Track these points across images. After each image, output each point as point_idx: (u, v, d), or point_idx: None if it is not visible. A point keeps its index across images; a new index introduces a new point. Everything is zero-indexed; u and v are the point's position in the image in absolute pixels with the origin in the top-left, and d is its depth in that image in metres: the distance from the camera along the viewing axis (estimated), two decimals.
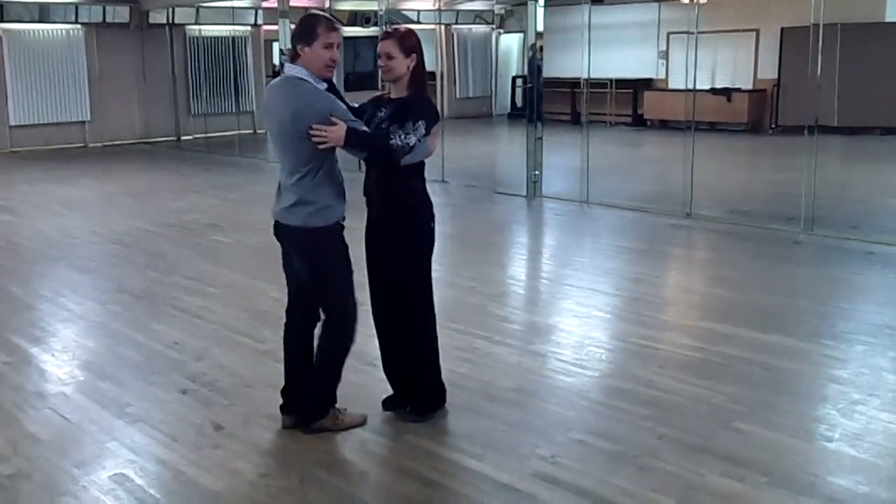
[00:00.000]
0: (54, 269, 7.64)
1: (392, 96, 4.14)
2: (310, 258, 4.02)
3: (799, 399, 4.59)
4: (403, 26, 4.46)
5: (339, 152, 3.92)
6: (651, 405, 4.46)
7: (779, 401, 4.50)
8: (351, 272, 4.09)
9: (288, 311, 4.26)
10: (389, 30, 4.17)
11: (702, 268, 7.90)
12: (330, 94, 3.91)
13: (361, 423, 4.23)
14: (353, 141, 3.83)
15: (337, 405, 4.23)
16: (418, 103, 4.04)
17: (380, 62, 4.08)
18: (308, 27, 3.87)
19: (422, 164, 4.14)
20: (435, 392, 4.35)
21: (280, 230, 4.06)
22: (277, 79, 4.06)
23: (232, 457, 3.96)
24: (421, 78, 4.12)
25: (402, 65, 4.02)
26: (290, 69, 3.91)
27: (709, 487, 3.63)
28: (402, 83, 4.07)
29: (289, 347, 4.28)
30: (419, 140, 3.93)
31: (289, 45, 14.35)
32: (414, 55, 4.04)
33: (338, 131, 3.77)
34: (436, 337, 4.33)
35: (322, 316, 4.10)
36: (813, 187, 8.63)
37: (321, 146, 3.78)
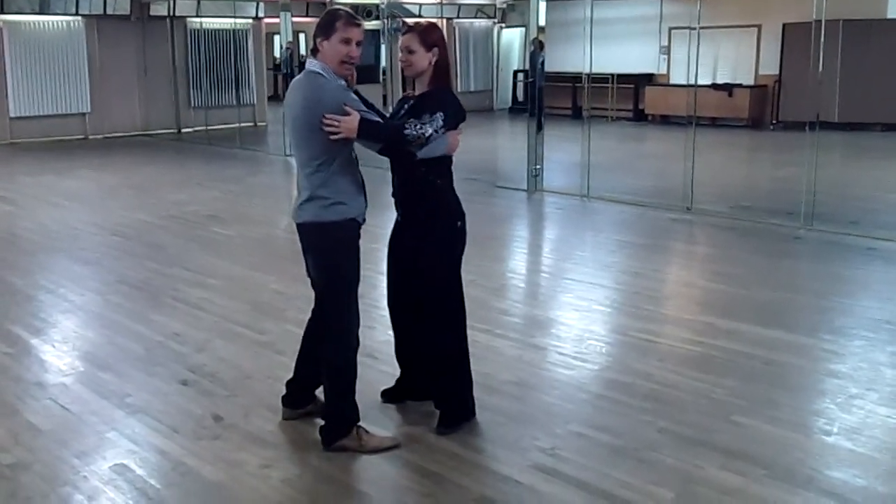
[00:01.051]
0: (55, 261, 7.64)
1: (416, 93, 4.06)
2: (321, 255, 3.88)
3: (798, 393, 4.60)
4: (425, 20, 4.41)
5: (360, 150, 3.87)
6: (651, 399, 4.46)
7: (778, 395, 4.51)
8: (359, 278, 3.94)
9: (314, 310, 4.14)
10: (411, 23, 4.11)
11: (702, 263, 7.91)
12: (343, 88, 3.77)
13: (392, 446, 3.96)
14: (365, 131, 3.70)
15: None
16: (439, 96, 3.94)
17: (400, 57, 4.00)
18: (327, 20, 3.76)
19: (446, 162, 4.01)
20: (465, 405, 4.21)
21: (298, 230, 3.91)
22: (300, 73, 3.94)
23: (232, 448, 3.97)
24: (444, 73, 4.01)
25: (424, 59, 3.94)
26: (310, 63, 3.83)
27: (708, 480, 3.64)
28: (425, 78, 3.99)
29: (303, 345, 4.20)
30: (436, 131, 3.80)
31: (289, 38, 14.36)
32: (436, 49, 3.96)
33: (351, 122, 3.65)
34: (466, 346, 4.19)
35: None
36: (813, 183, 8.64)
37: (333, 136, 3.66)
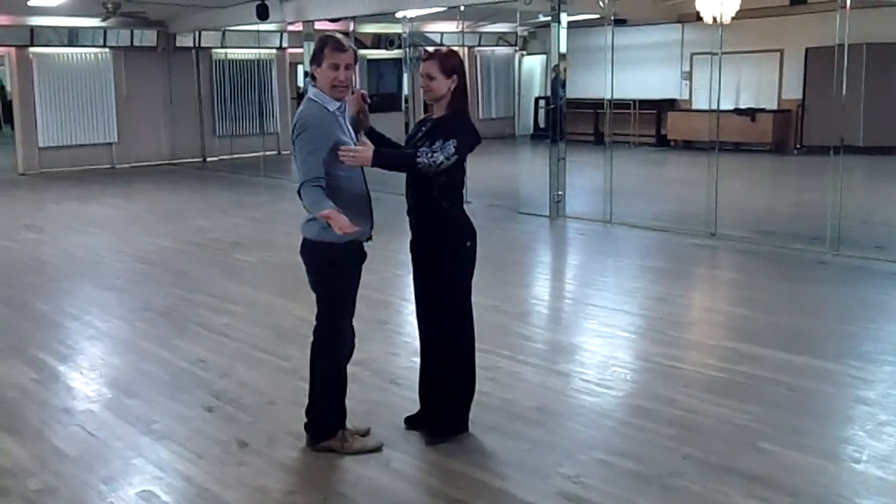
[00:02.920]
0: (81, 287, 7.72)
1: (434, 116, 4.19)
2: (318, 271, 4.06)
3: (825, 420, 4.55)
4: (445, 47, 4.53)
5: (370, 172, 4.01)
6: (675, 425, 4.43)
7: (805, 422, 4.47)
8: (353, 296, 4.11)
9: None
10: (431, 50, 4.21)
11: (726, 288, 7.86)
12: (324, 120, 3.91)
13: (374, 449, 4.17)
14: (378, 161, 3.90)
15: (356, 425, 4.24)
16: (453, 122, 4.07)
17: (421, 83, 4.14)
18: (317, 48, 3.97)
19: (457, 185, 4.16)
20: (458, 417, 4.31)
21: (301, 245, 4.08)
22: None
23: (256, 474, 3.98)
24: (462, 98, 4.14)
25: (443, 85, 4.06)
26: (309, 91, 4.05)
27: None
28: (443, 103, 4.12)
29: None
30: (447, 158, 3.93)
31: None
32: (455, 76, 4.08)
33: (365, 153, 3.86)
34: (472, 363, 4.31)
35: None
36: (838, 208, 8.57)
37: (349, 163, 3.85)
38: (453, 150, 3.95)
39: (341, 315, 4.10)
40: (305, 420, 4.25)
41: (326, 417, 4.16)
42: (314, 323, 4.15)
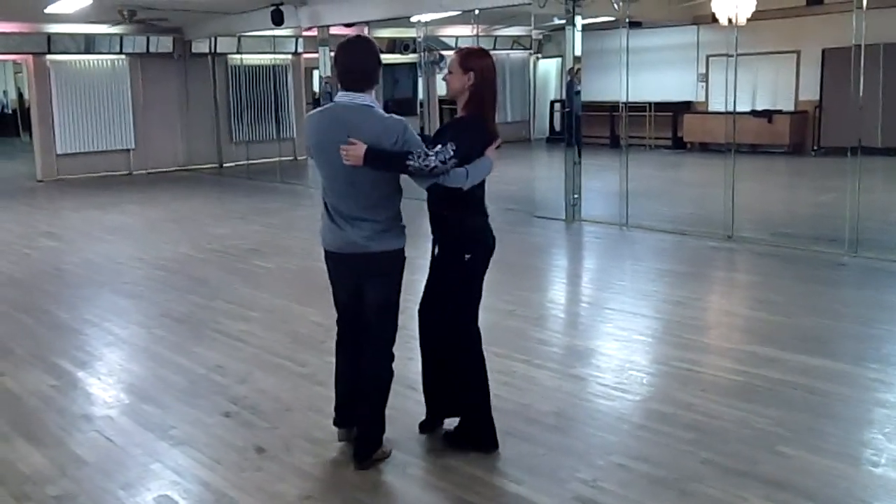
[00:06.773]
0: (99, 294, 7.77)
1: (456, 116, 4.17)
2: (392, 278, 4.03)
3: (844, 423, 4.52)
4: (476, 46, 4.51)
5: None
6: (693, 429, 4.41)
7: (823, 425, 4.44)
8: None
9: (346, 335, 4.24)
10: (463, 47, 4.19)
11: (744, 290, 7.82)
12: (396, 118, 3.89)
13: (385, 456, 4.17)
14: (371, 160, 3.72)
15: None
16: (460, 124, 4.02)
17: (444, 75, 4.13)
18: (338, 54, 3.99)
19: (458, 193, 3.95)
20: (485, 433, 4.22)
21: (356, 260, 3.95)
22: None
23: (274, 480, 3.99)
24: (479, 100, 4.00)
25: (458, 81, 3.98)
26: (366, 99, 3.89)
27: None
28: (461, 102, 4.05)
29: (347, 369, 4.25)
30: (443, 163, 3.77)
31: (328, 73, 14.50)
32: (471, 73, 3.96)
33: (357, 150, 3.71)
34: (483, 379, 4.21)
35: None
36: (857, 209, 8.52)
37: (346, 162, 3.75)
38: (451, 153, 3.78)
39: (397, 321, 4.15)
40: (335, 416, 4.23)
41: (383, 427, 4.14)
42: (331, 328, 4.16)
